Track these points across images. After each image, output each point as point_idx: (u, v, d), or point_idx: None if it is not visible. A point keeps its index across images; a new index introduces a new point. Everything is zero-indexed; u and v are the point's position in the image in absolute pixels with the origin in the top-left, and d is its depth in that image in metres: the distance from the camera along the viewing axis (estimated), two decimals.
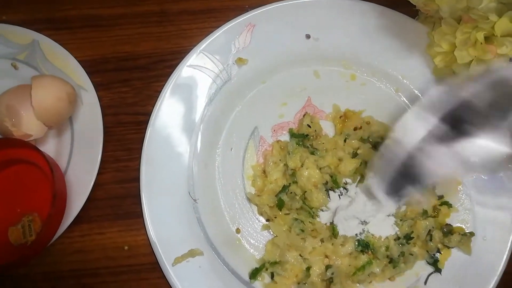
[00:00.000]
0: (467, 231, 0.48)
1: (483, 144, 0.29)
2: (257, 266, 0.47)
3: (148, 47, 0.54)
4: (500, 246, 0.47)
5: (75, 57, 0.51)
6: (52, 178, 0.44)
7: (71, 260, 0.49)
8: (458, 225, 0.48)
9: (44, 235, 0.45)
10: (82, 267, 0.49)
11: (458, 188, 0.49)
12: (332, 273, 0.46)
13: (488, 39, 0.45)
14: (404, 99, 0.52)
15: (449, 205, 0.48)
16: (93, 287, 0.48)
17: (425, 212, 0.48)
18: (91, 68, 0.52)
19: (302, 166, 0.48)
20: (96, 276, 0.48)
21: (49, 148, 0.50)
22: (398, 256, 0.46)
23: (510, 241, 0.46)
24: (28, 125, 0.47)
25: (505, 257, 0.46)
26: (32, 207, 0.48)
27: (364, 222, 0.47)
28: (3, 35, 0.52)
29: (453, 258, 0.47)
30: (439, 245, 0.47)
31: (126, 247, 0.49)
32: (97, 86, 0.51)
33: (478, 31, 0.45)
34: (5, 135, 0.47)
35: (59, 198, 0.46)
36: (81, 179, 0.48)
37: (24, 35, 0.52)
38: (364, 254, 0.47)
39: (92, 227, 0.49)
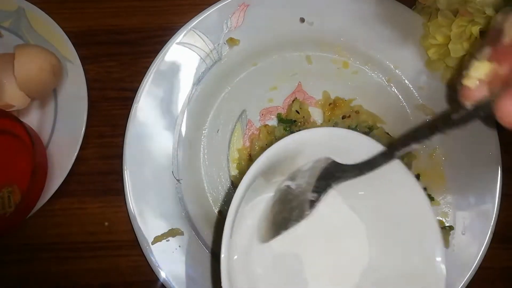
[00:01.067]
0: (446, 225, 0.48)
1: None
2: None
3: (138, 21, 0.52)
4: (478, 241, 0.47)
5: (62, 28, 0.50)
6: (32, 150, 0.43)
7: (50, 233, 0.48)
8: (439, 218, 0.49)
9: (23, 208, 0.45)
10: (61, 240, 0.48)
11: (442, 182, 0.49)
12: None
13: (483, 34, 0.44)
14: (395, 90, 0.51)
15: (431, 198, 0.49)
16: (72, 261, 0.48)
17: None
18: (78, 40, 0.50)
19: None
20: (75, 250, 0.48)
21: (31, 119, 0.49)
22: None
23: (487, 237, 0.47)
24: (10, 95, 0.46)
25: (481, 252, 0.47)
26: (11, 179, 0.47)
27: None
28: None
29: None
30: None
31: (106, 223, 0.49)
32: (83, 59, 0.50)
33: (474, 25, 0.44)
34: None
35: (40, 171, 0.45)
36: (63, 152, 0.48)
37: (9, 1, 0.50)
38: None
39: (73, 201, 0.49)
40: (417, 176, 0.50)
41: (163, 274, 0.46)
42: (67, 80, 0.49)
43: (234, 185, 0.49)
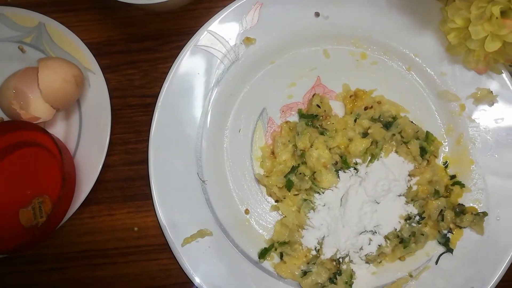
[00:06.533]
0: (480, 211, 0.47)
1: None
2: (266, 246, 0.47)
3: (154, 28, 0.53)
4: None
5: (82, 40, 0.51)
6: (61, 160, 0.44)
7: (81, 241, 0.49)
8: (471, 205, 0.47)
9: (54, 217, 0.45)
10: (92, 248, 0.49)
11: (471, 168, 0.48)
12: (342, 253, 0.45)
13: (504, 13, 0.43)
14: (416, 77, 0.51)
15: (461, 185, 0.48)
16: (103, 267, 0.49)
17: (437, 192, 0.47)
18: (98, 50, 0.51)
19: (311, 146, 0.47)
20: (106, 256, 0.49)
21: (57, 130, 0.50)
22: (409, 236, 0.46)
23: None
24: (36, 107, 0.47)
25: None
26: (42, 189, 0.48)
27: (375, 202, 0.47)
28: (10, 18, 0.52)
29: (465, 238, 0.47)
30: (451, 225, 0.47)
31: (135, 229, 0.49)
32: (104, 69, 0.51)
33: (494, 5, 0.43)
34: (13, 118, 0.47)
35: (69, 180, 0.46)
36: (90, 161, 0.48)
37: (30, 18, 0.52)
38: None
39: (101, 208, 0.50)
40: (445, 164, 0.49)
41: (195, 276, 0.46)
42: (90, 90, 0.50)
43: (259, 183, 0.49)
